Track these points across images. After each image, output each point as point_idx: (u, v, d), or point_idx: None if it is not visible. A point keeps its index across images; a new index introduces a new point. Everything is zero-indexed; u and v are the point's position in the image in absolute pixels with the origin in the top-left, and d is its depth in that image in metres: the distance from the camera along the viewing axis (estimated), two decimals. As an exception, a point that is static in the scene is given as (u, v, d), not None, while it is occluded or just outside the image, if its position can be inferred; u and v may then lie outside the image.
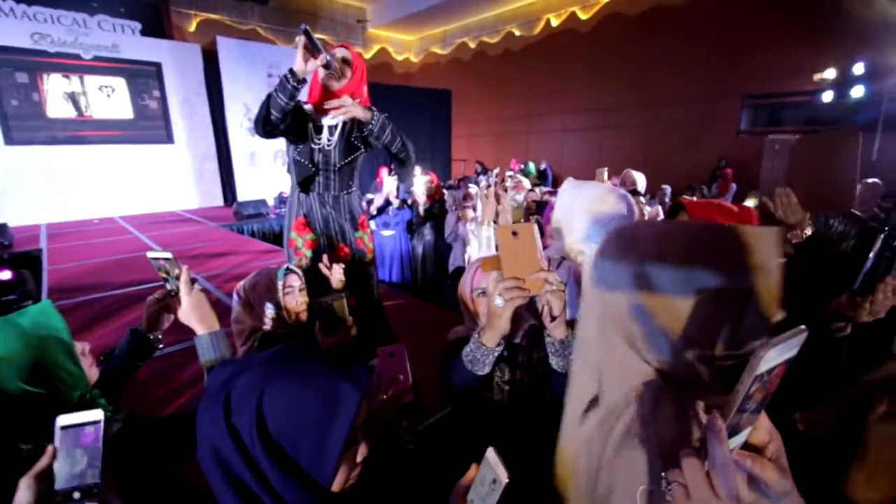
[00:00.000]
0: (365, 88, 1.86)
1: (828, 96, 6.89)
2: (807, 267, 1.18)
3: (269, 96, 1.61)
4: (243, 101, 9.37)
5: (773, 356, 0.35)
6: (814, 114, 7.55)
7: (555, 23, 10.85)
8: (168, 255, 0.98)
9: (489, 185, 1.62)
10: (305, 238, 1.88)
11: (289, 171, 1.92)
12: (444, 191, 4.44)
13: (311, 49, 1.54)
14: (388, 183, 4.03)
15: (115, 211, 8.54)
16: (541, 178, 9.86)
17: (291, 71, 1.57)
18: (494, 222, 1.61)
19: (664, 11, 9.04)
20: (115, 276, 4.06)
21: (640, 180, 3.59)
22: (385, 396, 0.89)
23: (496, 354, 0.92)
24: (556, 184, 9.29)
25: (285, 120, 1.66)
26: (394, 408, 0.90)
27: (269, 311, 1.34)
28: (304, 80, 1.60)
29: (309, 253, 1.88)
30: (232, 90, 9.26)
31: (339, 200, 1.92)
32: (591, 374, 0.61)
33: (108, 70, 8.32)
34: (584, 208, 1.24)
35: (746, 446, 0.41)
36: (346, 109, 1.69)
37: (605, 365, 0.59)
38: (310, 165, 1.82)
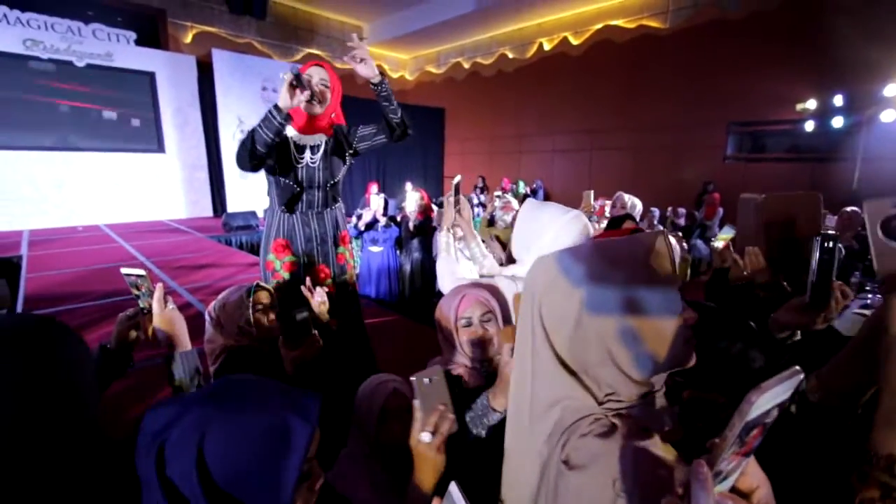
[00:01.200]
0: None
1: (809, 126, 7.10)
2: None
3: (252, 131, 1.61)
4: (237, 114, 9.39)
5: (765, 401, 0.33)
6: (796, 142, 7.77)
7: (547, 47, 11.11)
8: (141, 272, 0.96)
9: (454, 195, 1.62)
10: (284, 260, 1.85)
11: (268, 192, 1.91)
12: (434, 207, 4.46)
13: (297, 85, 1.56)
14: (375, 201, 4.03)
15: (101, 219, 8.42)
16: (532, 196, 9.93)
17: (277, 107, 1.58)
18: (452, 230, 1.60)
19: (651, 40, 9.32)
20: (95, 286, 3.98)
21: (635, 204, 3.46)
22: (430, 435, 0.74)
23: (499, 419, 0.87)
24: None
25: (270, 154, 1.68)
26: (440, 447, 0.76)
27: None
28: (290, 116, 1.62)
29: (287, 275, 1.84)
30: (226, 102, 9.29)
31: (323, 217, 1.90)
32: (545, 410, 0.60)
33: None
34: (540, 231, 1.23)
35: (733, 490, 0.39)
36: (361, 55, 1.64)
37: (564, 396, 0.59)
38: (294, 185, 1.81)
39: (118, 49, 8.36)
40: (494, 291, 1.16)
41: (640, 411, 0.61)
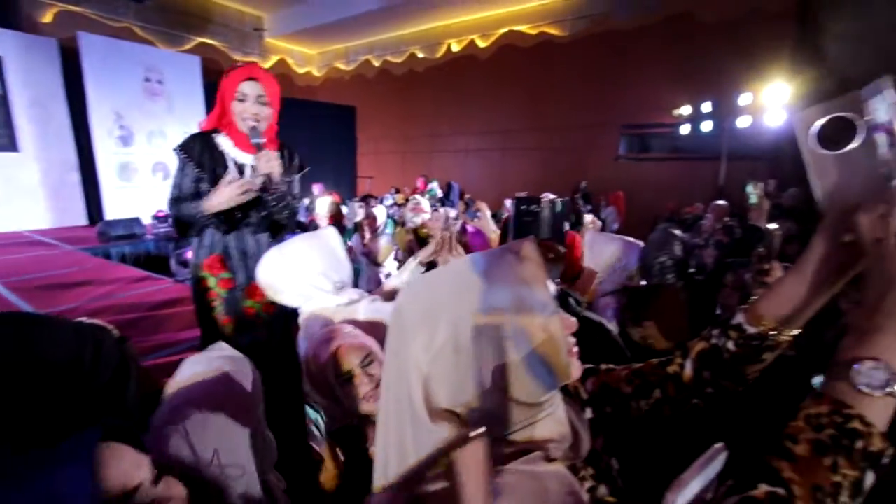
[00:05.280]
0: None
1: (685, 129, 8.02)
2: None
3: (176, 217, 1.66)
4: (113, 108, 8.23)
5: (691, 491, 0.31)
6: (675, 143, 8.76)
7: (456, 48, 11.30)
8: None
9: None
10: (220, 277, 1.69)
11: None
12: (344, 209, 4.28)
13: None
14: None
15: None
16: (445, 197, 10.03)
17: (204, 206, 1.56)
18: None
19: (552, 46, 9.90)
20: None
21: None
22: None
23: None
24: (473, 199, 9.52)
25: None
26: None
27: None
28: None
29: (224, 293, 1.70)
30: (98, 94, 8.06)
31: (261, 235, 1.77)
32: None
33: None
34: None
35: None
36: (263, 167, 1.58)
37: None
38: (233, 210, 1.65)
39: (-52, 26, 6.92)
40: (372, 327, 1.08)
41: (532, 433, 0.58)
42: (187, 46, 10.33)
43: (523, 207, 1.03)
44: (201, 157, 1.61)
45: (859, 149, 0.57)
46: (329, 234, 1.53)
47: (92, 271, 4.77)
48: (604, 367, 0.77)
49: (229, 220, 1.67)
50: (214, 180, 1.61)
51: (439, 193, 10.15)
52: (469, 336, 0.53)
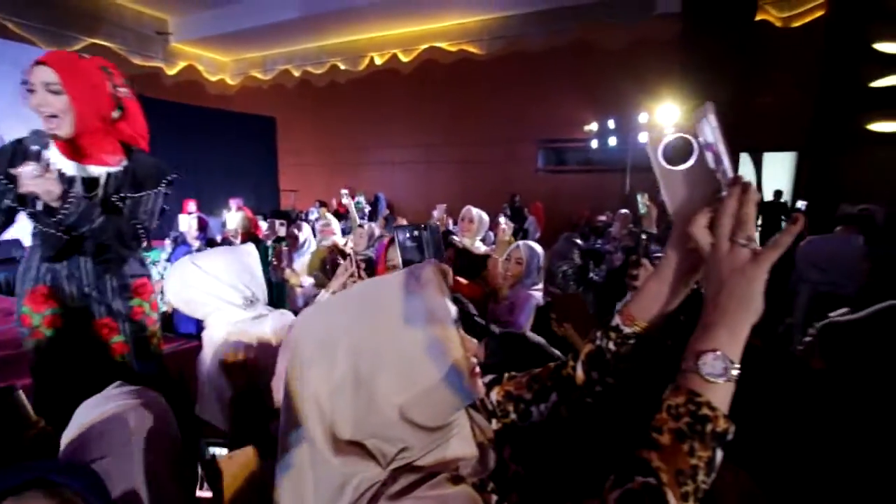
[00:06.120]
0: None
1: (594, 144, 8.70)
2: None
3: None
4: (-19, 113, 7.14)
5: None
6: (587, 157, 9.48)
7: (379, 61, 11.32)
8: None
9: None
10: (45, 314, 1.41)
11: (34, 232, 1.44)
12: (263, 225, 4.07)
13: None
14: (185, 221, 3.47)
15: None
16: (373, 209, 9.94)
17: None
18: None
19: (471, 63, 10.29)
20: None
21: (482, 217, 3.11)
22: None
23: None
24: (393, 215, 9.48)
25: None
26: None
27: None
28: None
29: (49, 332, 1.42)
30: (-38, 97, 6.98)
31: (101, 265, 1.48)
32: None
33: None
34: None
35: None
36: (23, 185, 1.23)
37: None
38: (59, 230, 1.33)
39: None
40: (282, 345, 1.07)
41: (440, 455, 0.58)
42: (76, 47, 9.27)
43: (406, 235, 1.09)
44: (12, 164, 1.29)
45: (696, 166, 0.63)
46: (246, 249, 1.46)
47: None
48: (507, 375, 0.80)
49: (50, 241, 1.38)
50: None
51: (367, 207, 10.04)
52: (372, 363, 0.53)
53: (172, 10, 10.53)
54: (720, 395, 0.52)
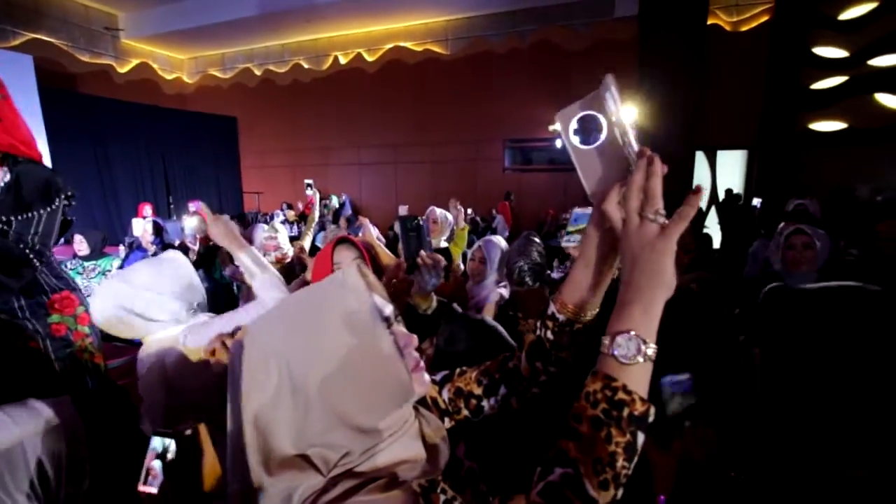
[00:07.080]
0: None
1: (559, 143, 8.87)
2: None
3: None
4: None
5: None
6: (552, 156, 9.64)
7: (343, 60, 11.16)
8: None
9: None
10: None
11: None
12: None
13: None
14: (138, 226, 3.30)
15: None
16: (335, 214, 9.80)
17: None
18: None
19: (436, 63, 10.29)
20: None
21: (447, 217, 3.13)
22: None
23: None
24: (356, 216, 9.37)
25: None
26: None
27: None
28: None
29: None
30: None
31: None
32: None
33: None
34: None
35: None
36: None
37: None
38: None
39: None
40: None
41: (380, 460, 0.57)
42: (14, 42, 8.69)
43: (408, 224, 1.10)
44: None
45: (606, 143, 0.60)
46: (174, 257, 1.37)
47: None
48: (458, 370, 0.79)
49: None
50: None
51: (336, 205, 9.88)
52: (305, 368, 0.51)
53: (122, 5, 10.03)
54: (636, 376, 0.51)
